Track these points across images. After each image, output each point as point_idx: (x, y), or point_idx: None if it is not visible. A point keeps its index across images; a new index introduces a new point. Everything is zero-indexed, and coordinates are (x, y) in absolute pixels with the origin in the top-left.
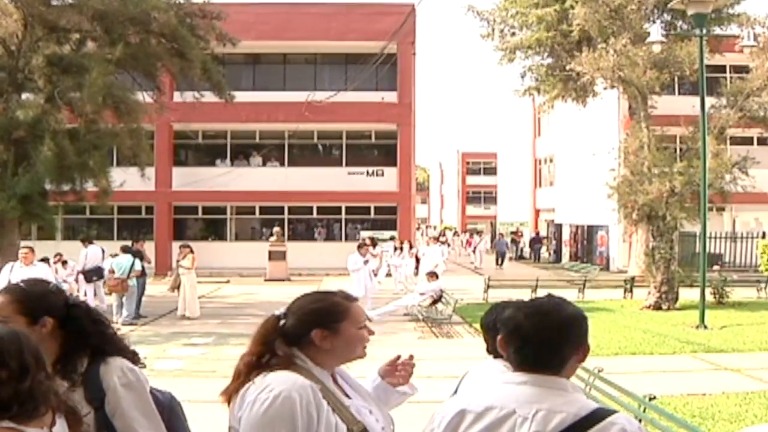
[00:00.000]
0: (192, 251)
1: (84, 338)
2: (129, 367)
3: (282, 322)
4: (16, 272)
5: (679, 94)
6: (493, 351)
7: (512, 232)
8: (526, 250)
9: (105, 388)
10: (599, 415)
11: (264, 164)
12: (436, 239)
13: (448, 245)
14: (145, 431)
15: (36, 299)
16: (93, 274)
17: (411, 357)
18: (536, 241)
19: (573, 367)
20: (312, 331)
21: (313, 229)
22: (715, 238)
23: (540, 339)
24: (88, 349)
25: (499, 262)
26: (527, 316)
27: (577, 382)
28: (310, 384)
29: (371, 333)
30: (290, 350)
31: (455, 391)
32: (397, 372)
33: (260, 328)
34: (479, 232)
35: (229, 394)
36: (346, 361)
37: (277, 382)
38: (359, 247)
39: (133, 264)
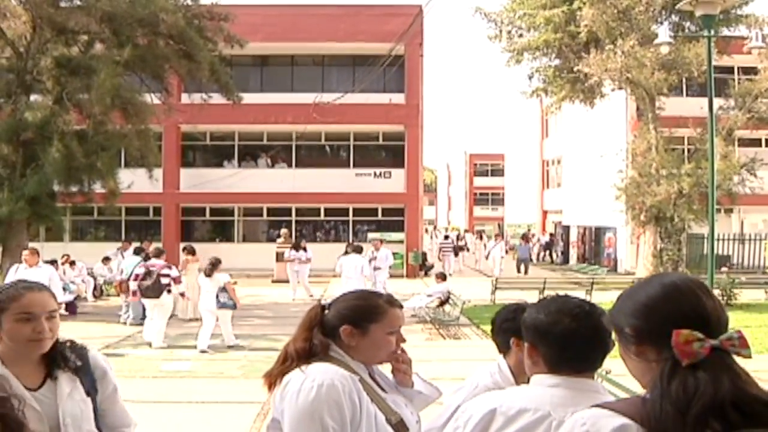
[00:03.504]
0: (192, 253)
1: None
2: (103, 356)
3: (326, 312)
4: (21, 273)
5: (687, 95)
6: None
7: (522, 236)
8: (534, 252)
9: (98, 375)
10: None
11: (271, 166)
12: (382, 241)
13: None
14: (129, 414)
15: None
16: None
17: (402, 351)
18: (551, 244)
19: None
20: (342, 326)
21: (320, 230)
22: (724, 239)
23: (594, 339)
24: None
25: (522, 269)
26: (575, 318)
27: None
28: (350, 374)
29: (403, 341)
30: (326, 341)
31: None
32: (395, 369)
33: (306, 315)
34: (497, 236)
35: (273, 378)
36: (370, 362)
37: (318, 373)
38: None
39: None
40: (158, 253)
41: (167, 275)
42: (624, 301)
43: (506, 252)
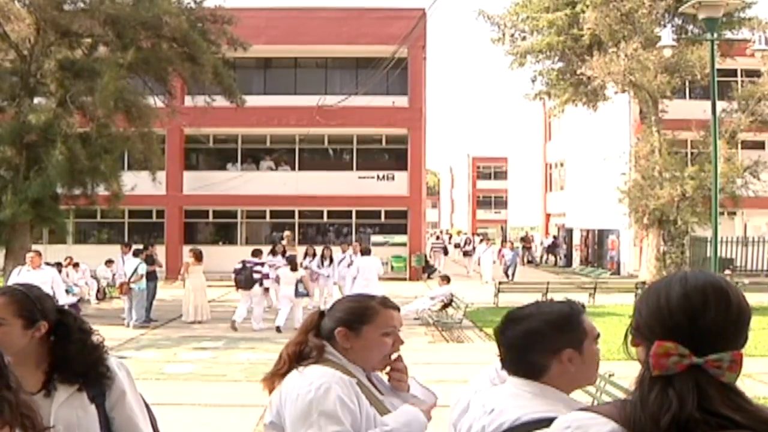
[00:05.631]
0: (197, 258)
1: (67, 344)
2: (119, 361)
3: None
4: (24, 275)
5: (690, 98)
6: None
7: (522, 239)
8: (537, 255)
9: (107, 381)
10: (528, 427)
11: (275, 168)
12: (359, 243)
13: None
14: (141, 423)
15: (34, 302)
16: None
17: (398, 357)
18: (554, 246)
19: (565, 371)
20: (337, 328)
21: (324, 233)
22: (727, 242)
23: (509, 345)
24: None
25: (509, 275)
26: (504, 323)
27: (588, 387)
28: (348, 378)
29: (401, 343)
30: (321, 343)
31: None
32: (389, 375)
33: (305, 319)
34: (487, 240)
35: (271, 380)
36: (366, 364)
37: (316, 376)
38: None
39: (136, 269)
40: (254, 253)
41: (259, 271)
42: (648, 291)
43: (499, 255)
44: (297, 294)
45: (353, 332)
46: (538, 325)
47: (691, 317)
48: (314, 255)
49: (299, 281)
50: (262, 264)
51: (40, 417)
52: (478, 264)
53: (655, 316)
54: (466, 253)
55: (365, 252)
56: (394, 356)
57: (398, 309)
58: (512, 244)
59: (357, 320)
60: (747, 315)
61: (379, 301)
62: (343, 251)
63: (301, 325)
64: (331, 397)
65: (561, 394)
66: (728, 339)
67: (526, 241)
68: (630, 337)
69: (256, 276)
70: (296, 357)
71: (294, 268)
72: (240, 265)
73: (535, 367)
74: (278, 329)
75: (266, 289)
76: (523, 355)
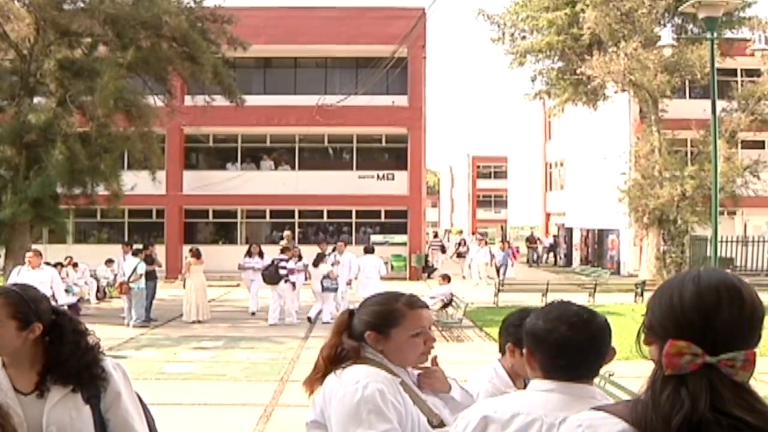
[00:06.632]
0: (197, 257)
1: (61, 346)
2: (115, 362)
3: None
4: (23, 275)
5: (690, 97)
6: None
7: (527, 239)
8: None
9: (102, 383)
10: None
11: (275, 168)
12: (345, 244)
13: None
14: (136, 425)
15: (29, 303)
16: None
17: (433, 361)
18: (554, 245)
19: None
20: (366, 332)
21: (324, 232)
22: (727, 241)
23: (588, 348)
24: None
25: (500, 275)
26: (571, 326)
27: None
28: (392, 377)
29: (432, 340)
30: (357, 344)
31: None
32: (423, 378)
33: (336, 321)
34: (481, 240)
35: (311, 384)
36: (402, 365)
37: (361, 375)
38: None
39: (135, 268)
40: (282, 250)
41: (284, 267)
42: (661, 289)
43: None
44: (323, 289)
45: (382, 335)
46: (605, 328)
47: (705, 316)
48: (300, 257)
49: (325, 276)
50: (288, 260)
51: (13, 424)
52: (469, 267)
53: (668, 314)
54: (460, 254)
55: (368, 251)
56: (431, 356)
57: (426, 307)
58: (504, 243)
59: (384, 324)
60: (761, 313)
61: (404, 302)
62: (339, 251)
63: (333, 326)
64: (379, 395)
65: (602, 393)
66: (742, 338)
67: (531, 241)
68: (643, 336)
69: (282, 272)
70: (332, 360)
71: (316, 264)
72: (269, 262)
73: (601, 366)
74: (309, 319)
75: (293, 284)
76: (598, 356)
